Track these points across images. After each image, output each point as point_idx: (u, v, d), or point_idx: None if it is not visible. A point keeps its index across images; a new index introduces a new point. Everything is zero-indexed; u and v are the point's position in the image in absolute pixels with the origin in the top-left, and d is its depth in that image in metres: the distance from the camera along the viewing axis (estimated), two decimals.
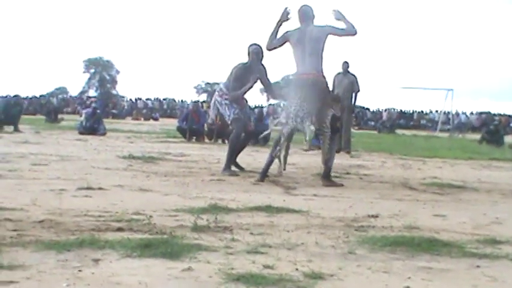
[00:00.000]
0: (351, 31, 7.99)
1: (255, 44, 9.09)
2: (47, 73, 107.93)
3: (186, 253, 3.73)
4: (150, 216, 4.84)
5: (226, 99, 9.01)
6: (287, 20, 8.25)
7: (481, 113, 55.51)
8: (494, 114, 53.71)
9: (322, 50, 7.99)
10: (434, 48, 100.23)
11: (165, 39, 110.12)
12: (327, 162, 8.10)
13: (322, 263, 3.64)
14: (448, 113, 42.62)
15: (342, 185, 7.87)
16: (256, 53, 9.01)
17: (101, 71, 66.98)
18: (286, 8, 8.24)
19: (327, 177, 8.01)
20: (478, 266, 3.74)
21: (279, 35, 8.20)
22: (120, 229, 4.37)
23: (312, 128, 7.94)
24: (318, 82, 7.93)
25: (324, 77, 8.02)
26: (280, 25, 8.22)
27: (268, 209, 5.51)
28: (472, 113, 56.55)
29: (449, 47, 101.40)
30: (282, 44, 8.19)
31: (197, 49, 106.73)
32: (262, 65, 9.14)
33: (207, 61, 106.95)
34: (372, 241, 4.28)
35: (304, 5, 8.25)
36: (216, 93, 9.22)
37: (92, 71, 67.28)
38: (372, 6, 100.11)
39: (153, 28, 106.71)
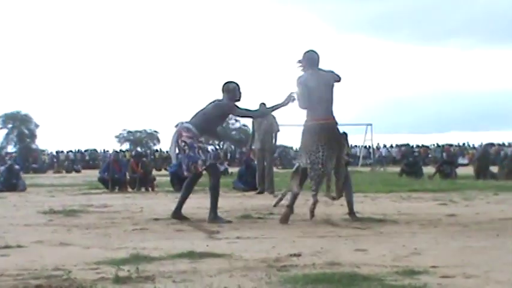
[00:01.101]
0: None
1: (234, 82, 8.82)
2: None
3: None
4: (70, 271, 4.75)
5: (200, 141, 8.59)
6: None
7: (401, 146, 56.76)
8: (413, 146, 55.03)
9: (333, 95, 8.36)
10: (353, 85, 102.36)
11: (83, 89, 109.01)
12: (350, 199, 8.68)
13: None
14: (369, 147, 43.46)
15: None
16: (236, 90, 8.74)
17: (19, 125, 65.79)
18: (291, 94, 8.48)
19: (353, 213, 8.57)
20: None
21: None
22: (38, 286, 4.28)
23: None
24: (335, 127, 8.36)
25: (336, 121, 8.39)
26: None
27: (191, 255, 5.49)
28: (392, 146, 57.78)
29: (365, 85, 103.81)
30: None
31: (117, 98, 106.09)
32: None
33: (127, 110, 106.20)
34: (294, 280, 4.31)
35: (310, 51, 8.51)
36: (184, 134, 8.46)
37: (10, 126, 65.98)
38: (284, 45, 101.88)
39: (70, 80, 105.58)
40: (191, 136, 8.45)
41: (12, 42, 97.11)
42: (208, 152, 8.77)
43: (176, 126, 8.64)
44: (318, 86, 8.25)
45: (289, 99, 8.48)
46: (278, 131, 15.07)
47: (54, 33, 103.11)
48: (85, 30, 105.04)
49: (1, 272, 4.87)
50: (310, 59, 8.44)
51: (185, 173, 8.73)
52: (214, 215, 8.51)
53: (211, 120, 8.65)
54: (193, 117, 8.65)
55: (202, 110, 8.70)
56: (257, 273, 4.63)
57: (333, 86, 8.34)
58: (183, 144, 8.47)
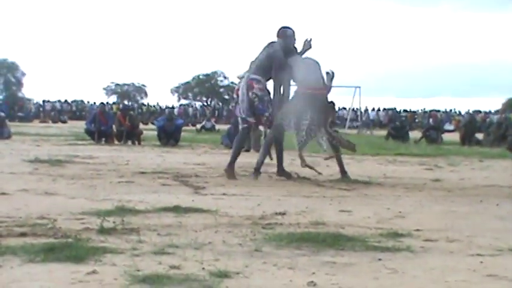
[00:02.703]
0: None
1: (290, 28, 8.63)
2: None
3: (91, 256, 3.68)
4: (55, 220, 4.75)
5: (269, 93, 8.51)
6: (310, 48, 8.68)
7: (388, 110, 56.84)
8: (400, 111, 55.15)
9: None
10: (342, 46, 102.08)
11: (72, 39, 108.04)
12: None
13: (228, 261, 3.66)
14: (357, 110, 43.45)
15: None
16: (292, 36, 8.59)
17: (6, 73, 65.26)
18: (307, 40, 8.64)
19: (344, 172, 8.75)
20: (379, 259, 3.84)
21: None
22: (22, 234, 4.27)
23: (324, 138, 8.48)
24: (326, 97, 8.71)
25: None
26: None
27: (177, 209, 5.50)
28: (379, 110, 57.84)
29: (356, 46, 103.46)
30: None
31: (106, 49, 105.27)
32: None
33: (115, 62, 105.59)
34: (278, 238, 4.33)
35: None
36: (255, 85, 8.34)
37: None
38: (280, 6, 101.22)
39: (59, 28, 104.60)
40: (262, 88, 8.42)
41: None
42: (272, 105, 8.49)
43: (241, 77, 8.61)
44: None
45: (308, 44, 8.65)
46: None
47: None
48: None
49: None
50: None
51: (242, 125, 8.63)
52: (281, 169, 8.68)
53: (266, 72, 8.49)
54: (253, 68, 8.51)
55: (256, 60, 8.58)
56: (242, 230, 4.65)
57: None
58: (253, 96, 8.34)
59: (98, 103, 53.36)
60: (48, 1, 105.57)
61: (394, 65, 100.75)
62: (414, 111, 57.95)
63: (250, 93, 8.35)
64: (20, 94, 64.21)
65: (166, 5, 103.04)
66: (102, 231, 4.39)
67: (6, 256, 3.64)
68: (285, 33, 8.58)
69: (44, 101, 60.97)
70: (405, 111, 56.91)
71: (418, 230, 4.82)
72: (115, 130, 17.92)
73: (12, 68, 65.52)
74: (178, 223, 4.90)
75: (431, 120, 39.94)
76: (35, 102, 61.93)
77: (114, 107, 49.10)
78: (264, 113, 8.40)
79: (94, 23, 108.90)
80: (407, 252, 4.06)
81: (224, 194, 6.78)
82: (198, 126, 33.23)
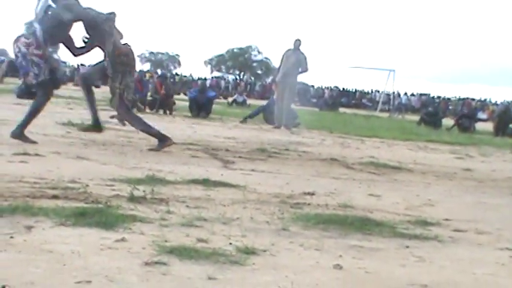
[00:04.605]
0: None
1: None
2: None
3: (121, 223, 3.71)
4: (86, 185, 4.80)
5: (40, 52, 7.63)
6: None
7: (421, 95, 56.39)
8: (434, 97, 54.67)
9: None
10: (379, 30, 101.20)
11: (110, 6, 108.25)
12: None
13: (255, 238, 3.67)
14: (392, 93, 43.21)
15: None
16: None
17: None
18: None
19: None
20: (407, 246, 3.82)
21: None
22: (55, 197, 4.32)
23: None
24: None
25: None
26: None
27: (206, 182, 5.51)
28: (412, 94, 57.41)
29: (393, 29, 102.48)
30: None
31: (141, 17, 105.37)
32: None
33: (150, 30, 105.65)
34: (306, 218, 4.33)
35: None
36: (22, 40, 7.58)
37: None
38: None
39: None
40: (29, 44, 7.59)
41: None
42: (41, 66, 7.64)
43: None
44: None
45: None
46: (306, 70, 14.91)
47: None
48: None
49: (19, 177, 4.93)
50: None
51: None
52: (19, 131, 7.65)
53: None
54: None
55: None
56: (270, 208, 4.65)
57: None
58: (17, 50, 7.62)
59: None
60: None
61: (430, 49, 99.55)
62: (448, 98, 57.44)
63: (15, 46, 7.62)
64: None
65: None
66: (132, 199, 4.42)
67: (39, 217, 3.68)
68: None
69: (78, 65, 61.31)
70: (438, 97, 56.42)
71: (447, 219, 4.79)
72: (149, 98, 18.01)
73: None
74: (207, 196, 4.92)
75: (465, 108, 39.58)
76: (70, 65, 62.32)
77: (148, 74, 49.17)
78: (29, 72, 7.61)
79: None
80: (435, 241, 4.03)
81: (253, 170, 6.79)
82: (230, 99, 33.30)
